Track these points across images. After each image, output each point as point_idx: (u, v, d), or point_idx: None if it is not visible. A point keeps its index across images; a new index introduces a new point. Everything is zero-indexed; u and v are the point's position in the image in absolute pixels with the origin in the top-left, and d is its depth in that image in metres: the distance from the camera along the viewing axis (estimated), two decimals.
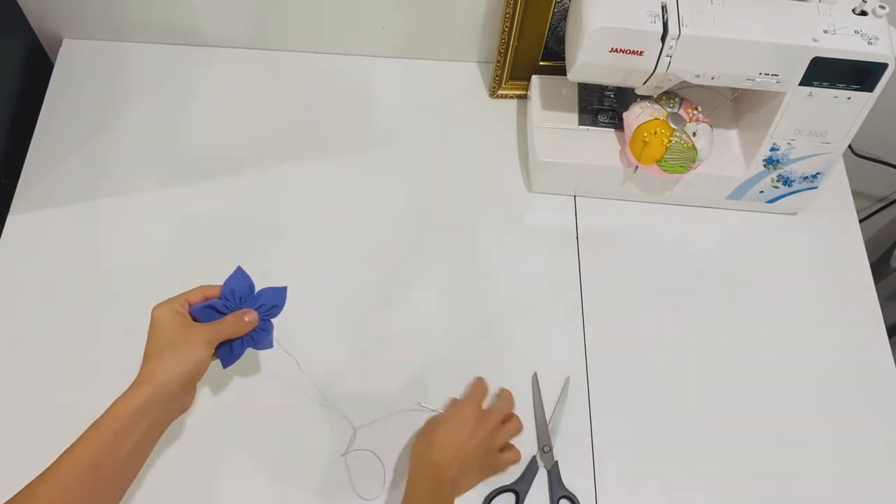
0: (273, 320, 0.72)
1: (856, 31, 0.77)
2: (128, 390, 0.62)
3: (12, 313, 0.84)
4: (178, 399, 0.65)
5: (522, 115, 1.00)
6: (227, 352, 0.69)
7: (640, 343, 0.87)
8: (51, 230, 0.89)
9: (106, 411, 0.61)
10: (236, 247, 0.89)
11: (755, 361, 0.87)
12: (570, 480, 0.79)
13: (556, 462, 0.80)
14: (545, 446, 0.80)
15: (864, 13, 0.77)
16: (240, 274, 0.71)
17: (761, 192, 0.93)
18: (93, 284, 0.86)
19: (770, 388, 0.86)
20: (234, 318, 0.69)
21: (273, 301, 0.71)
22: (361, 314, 0.87)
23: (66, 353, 0.82)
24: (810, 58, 0.77)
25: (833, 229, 0.96)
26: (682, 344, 0.88)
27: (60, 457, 0.59)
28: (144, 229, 0.90)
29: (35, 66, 1.01)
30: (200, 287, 0.70)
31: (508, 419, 0.78)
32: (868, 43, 0.76)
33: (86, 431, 0.60)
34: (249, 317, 0.70)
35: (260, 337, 0.71)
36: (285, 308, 0.72)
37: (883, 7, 0.77)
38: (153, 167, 0.94)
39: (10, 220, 0.89)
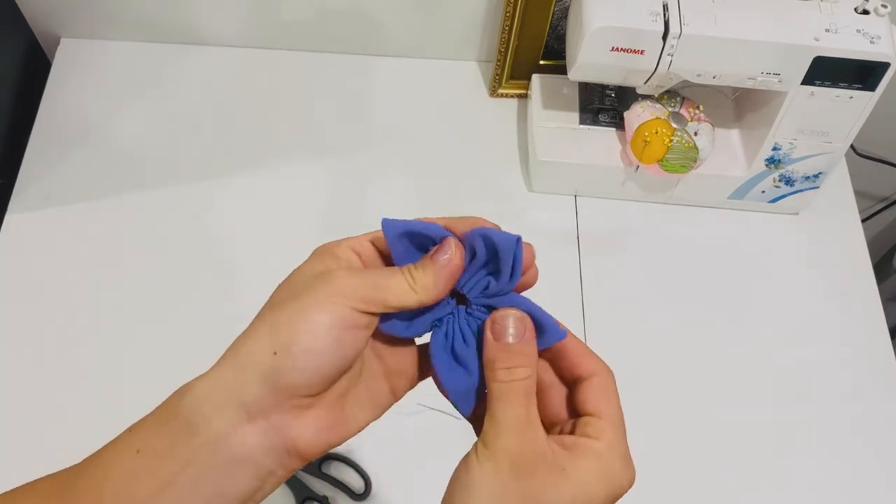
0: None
1: (858, 31, 0.76)
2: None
3: (10, 314, 0.84)
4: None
5: (522, 114, 0.99)
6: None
7: (640, 343, 0.87)
8: (49, 230, 0.88)
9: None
10: (236, 246, 0.89)
11: (756, 362, 0.87)
12: None
13: None
14: None
15: (865, 12, 0.77)
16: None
17: (763, 191, 0.92)
18: (91, 285, 0.85)
19: (771, 389, 0.86)
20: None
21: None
22: None
23: (65, 355, 0.81)
24: (812, 57, 0.77)
25: (835, 229, 0.96)
26: (683, 344, 0.87)
27: None
28: (143, 229, 0.89)
29: (33, 66, 1.00)
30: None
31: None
32: (870, 42, 0.76)
33: None
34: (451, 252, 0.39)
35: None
36: None
37: (885, 6, 0.77)
38: (152, 167, 0.93)
39: (8, 219, 0.89)
